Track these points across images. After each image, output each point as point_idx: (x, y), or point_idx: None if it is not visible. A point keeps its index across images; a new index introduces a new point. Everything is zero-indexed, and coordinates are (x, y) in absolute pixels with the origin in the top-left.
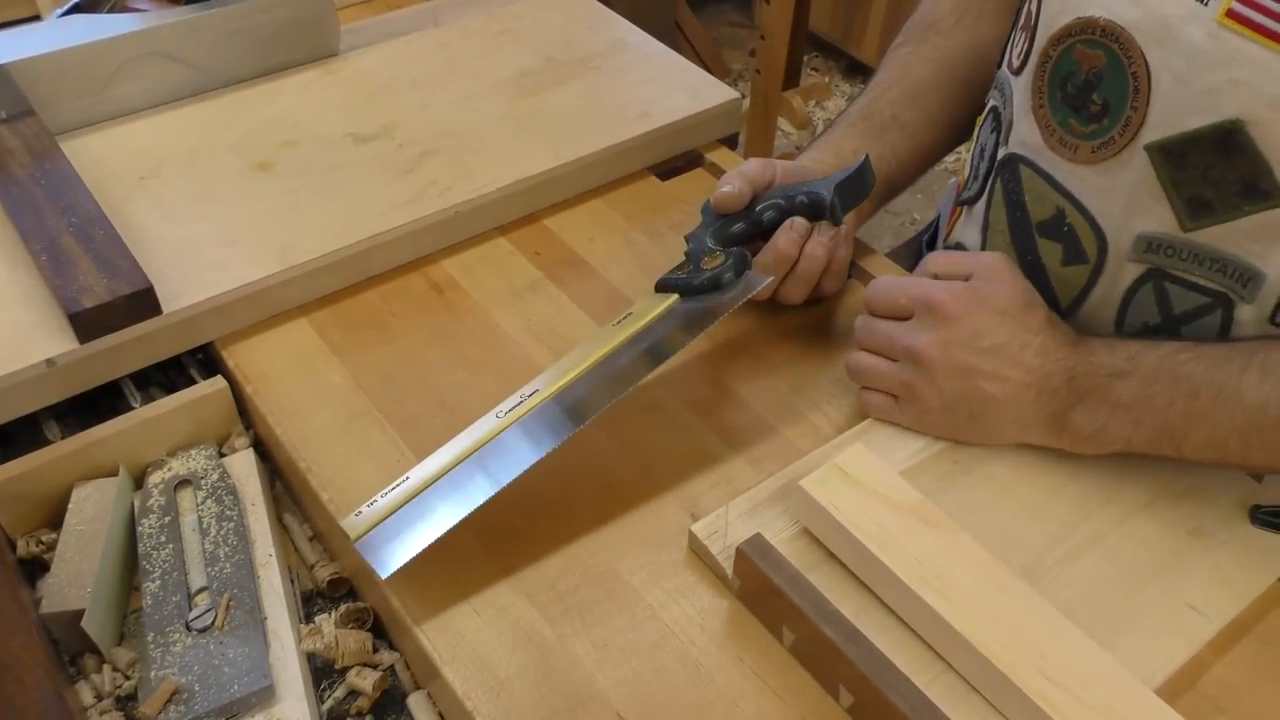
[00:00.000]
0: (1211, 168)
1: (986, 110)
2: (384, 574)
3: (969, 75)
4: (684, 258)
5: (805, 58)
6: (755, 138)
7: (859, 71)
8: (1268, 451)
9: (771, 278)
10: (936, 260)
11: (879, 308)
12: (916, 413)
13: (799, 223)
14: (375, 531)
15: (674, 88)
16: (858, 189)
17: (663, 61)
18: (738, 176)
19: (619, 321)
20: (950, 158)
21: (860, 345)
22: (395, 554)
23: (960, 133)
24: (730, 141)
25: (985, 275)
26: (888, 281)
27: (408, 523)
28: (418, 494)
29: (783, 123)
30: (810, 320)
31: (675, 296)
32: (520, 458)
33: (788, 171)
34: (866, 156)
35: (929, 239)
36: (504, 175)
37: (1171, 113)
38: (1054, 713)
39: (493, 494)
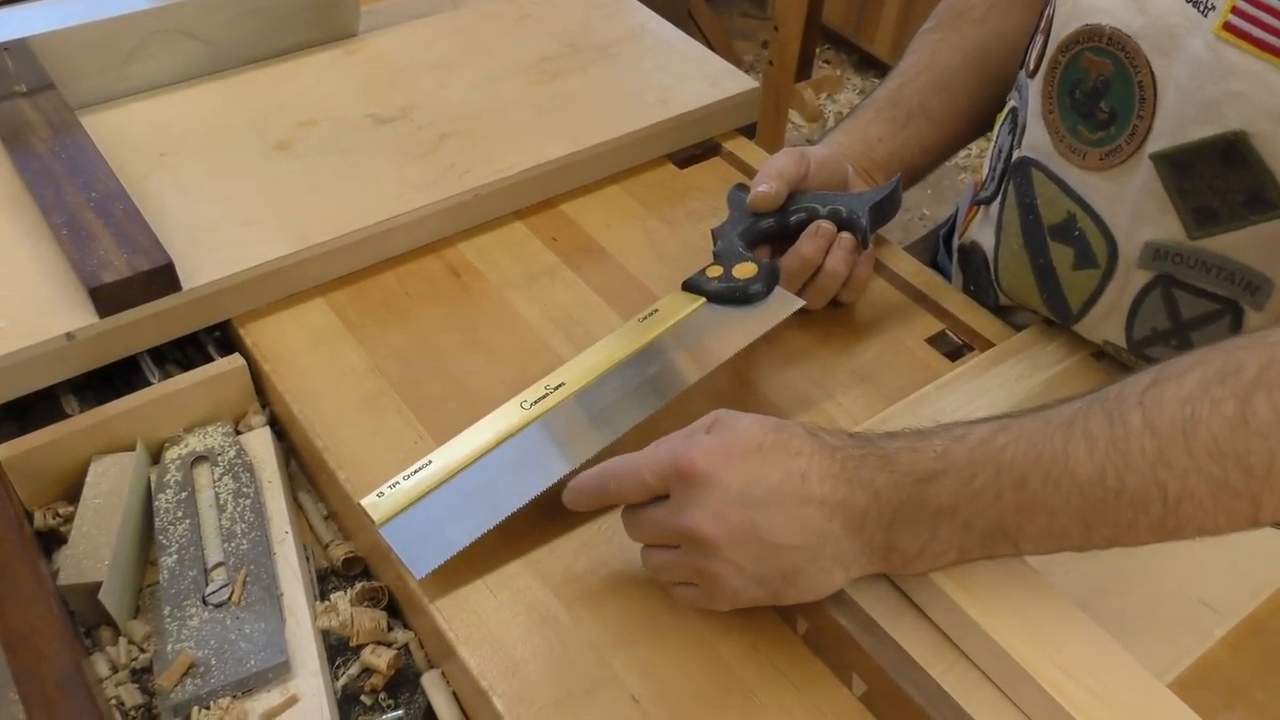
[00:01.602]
0: (1216, 178)
1: (1006, 110)
2: (419, 575)
3: (997, 67)
4: (713, 256)
5: (817, 50)
6: (766, 129)
7: (871, 65)
8: (1112, 527)
9: (803, 302)
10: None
11: (631, 496)
12: (728, 595)
13: (825, 228)
14: (402, 520)
15: (693, 76)
16: (887, 209)
17: (681, 49)
18: (776, 177)
19: (645, 318)
20: (961, 154)
21: (634, 539)
22: (429, 554)
23: (983, 125)
24: (748, 131)
25: (717, 423)
26: (622, 461)
27: (438, 519)
28: (443, 483)
29: (793, 115)
30: (827, 311)
31: (702, 300)
32: (552, 469)
33: (820, 162)
34: (899, 180)
35: (945, 235)
36: (522, 160)
37: (1175, 123)
38: (1068, 705)
39: (525, 502)
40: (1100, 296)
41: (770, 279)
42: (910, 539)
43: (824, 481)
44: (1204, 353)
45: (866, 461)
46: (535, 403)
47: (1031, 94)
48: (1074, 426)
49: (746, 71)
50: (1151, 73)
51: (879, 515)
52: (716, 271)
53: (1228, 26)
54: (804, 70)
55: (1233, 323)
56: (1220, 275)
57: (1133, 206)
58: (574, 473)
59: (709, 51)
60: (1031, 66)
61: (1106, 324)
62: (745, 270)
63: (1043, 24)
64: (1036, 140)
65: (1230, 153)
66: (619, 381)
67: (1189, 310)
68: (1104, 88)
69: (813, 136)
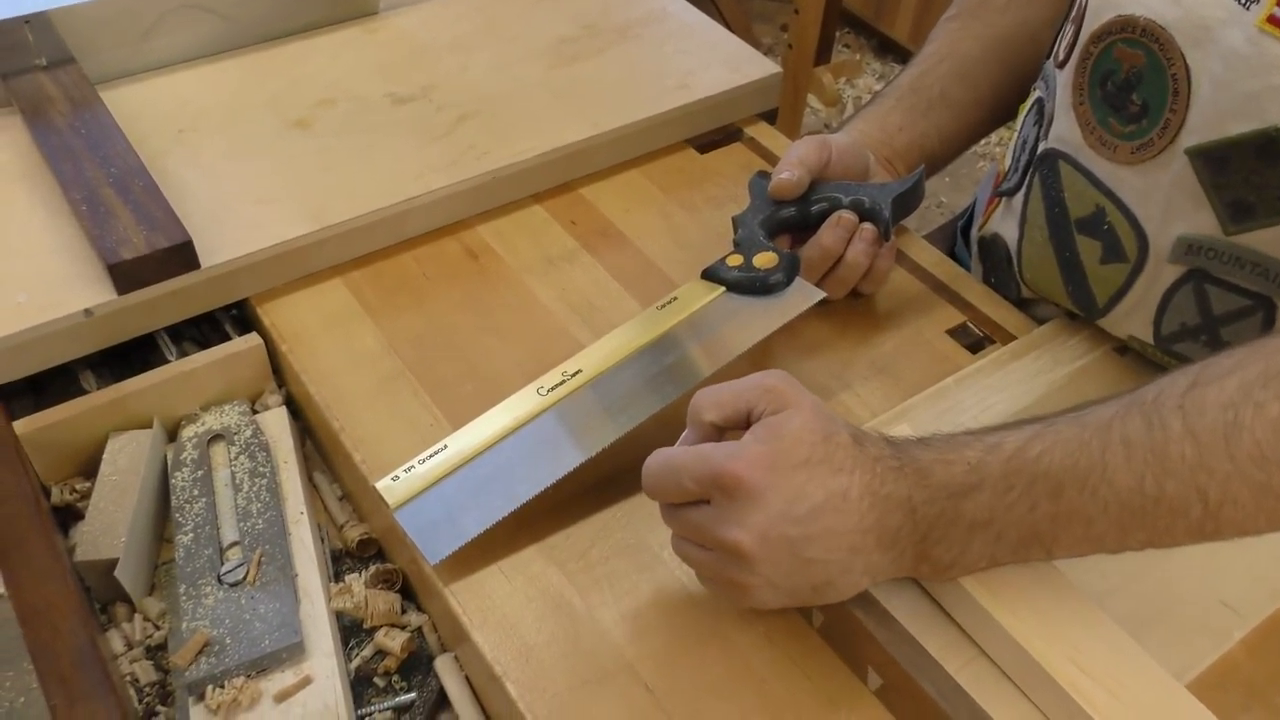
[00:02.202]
0: (1254, 173)
1: (1031, 101)
2: (433, 561)
3: (1019, 56)
4: (733, 244)
5: (837, 34)
6: (784, 114)
7: (890, 50)
8: (1149, 532)
9: (823, 294)
10: (705, 404)
11: (671, 498)
12: (754, 602)
13: (846, 218)
14: (417, 505)
15: (714, 60)
16: (910, 201)
17: (703, 32)
18: (798, 164)
19: (664, 305)
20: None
21: (669, 527)
22: (443, 540)
23: (1004, 114)
24: (769, 116)
25: (770, 408)
26: (663, 463)
27: (452, 505)
28: (458, 469)
29: (811, 99)
30: (847, 301)
31: (722, 289)
32: (567, 458)
33: (841, 150)
34: (922, 171)
35: (963, 226)
36: (541, 142)
37: (1211, 117)
38: (1085, 704)
39: (540, 490)
40: (1128, 291)
41: (791, 269)
42: (943, 551)
43: (863, 498)
44: (1243, 354)
45: (903, 475)
46: (552, 389)
47: (1060, 85)
48: (1111, 432)
49: (765, 55)
50: (1185, 65)
51: (912, 530)
52: (737, 260)
53: (1272, 19)
54: (823, 54)
55: (1265, 319)
56: (1255, 271)
57: (1165, 201)
58: (589, 462)
59: (730, 35)
60: (1061, 57)
61: (1133, 319)
62: (766, 260)
63: (1074, 13)
64: (1064, 132)
65: (1269, 148)
66: (636, 370)
67: (1220, 306)
68: (1136, 80)
69: (830, 121)
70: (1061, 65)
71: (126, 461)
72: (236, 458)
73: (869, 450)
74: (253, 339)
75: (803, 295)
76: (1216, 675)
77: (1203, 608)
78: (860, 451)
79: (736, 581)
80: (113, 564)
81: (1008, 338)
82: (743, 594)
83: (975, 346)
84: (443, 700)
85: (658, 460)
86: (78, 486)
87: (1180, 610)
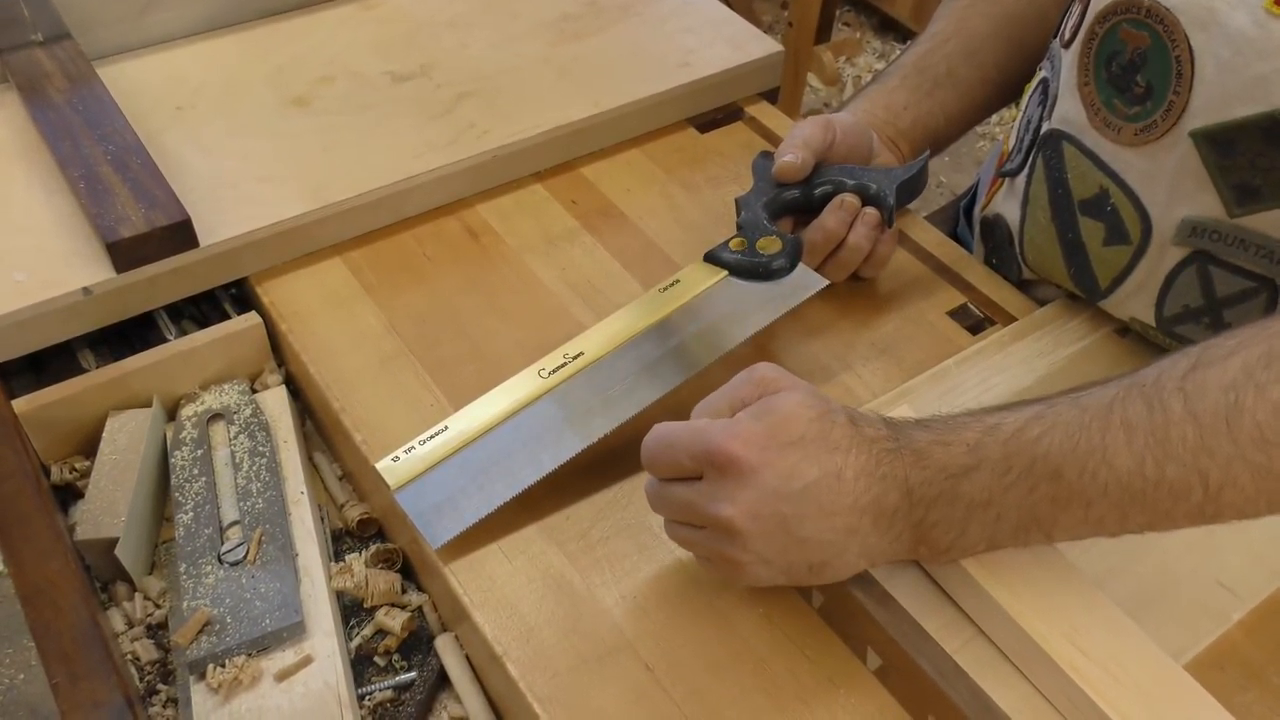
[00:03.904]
0: (1260, 156)
1: (1037, 80)
2: (436, 544)
3: (1027, 35)
4: (736, 227)
5: (837, 12)
6: (785, 93)
7: (891, 28)
8: (1149, 515)
9: (826, 282)
10: (701, 413)
11: (662, 471)
12: (749, 579)
13: (849, 202)
14: (417, 487)
15: (716, 38)
16: (915, 187)
17: (705, 10)
18: (802, 146)
19: (666, 288)
20: None
21: (657, 513)
22: (445, 524)
23: (1010, 94)
24: (771, 96)
25: (764, 389)
26: (660, 439)
27: (453, 488)
28: (458, 451)
29: (811, 78)
30: (848, 283)
31: (724, 273)
32: (568, 444)
33: (845, 130)
34: (927, 157)
35: (966, 206)
36: (542, 121)
37: (1217, 100)
38: (1084, 684)
39: (540, 477)
40: (1131, 273)
41: (794, 255)
42: (941, 534)
43: (859, 479)
44: (1244, 336)
45: (900, 457)
46: (553, 372)
47: (1065, 65)
48: (1111, 414)
49: (765, 33)
50: (1189, 47)
51: (909, 512)
52: (739, 244)
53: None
54: (823, 33)
55: (1268, 300)
56: (1259, 253)
57: (1169, 183)
58: (589, 449)
59: (732, 13)
60: (1067, 36)
61: (1135, 301)
62: (769, 245)
63: None
64: (1069, 113)
65: (1276, 130)
66: (637, 355)
67: (1224, 288)
68: (1141, 61)
69: (830, 100)
70: (1067, 45)
71: (126, 440)
72: (236, 437)
73: (865, 431)
74: (252, 318)
75: (805, 283)
76: (1215, 656)
77: (1201, 589)
78: (856, 432)
79: (729, 558)
80: (113, 543)
81: (1009, 319)
82: (737, 571)
83: (976, 328)
84: (443, 680)
85: (656, 435)
86: (77, 465)
87: (1179, 591)
